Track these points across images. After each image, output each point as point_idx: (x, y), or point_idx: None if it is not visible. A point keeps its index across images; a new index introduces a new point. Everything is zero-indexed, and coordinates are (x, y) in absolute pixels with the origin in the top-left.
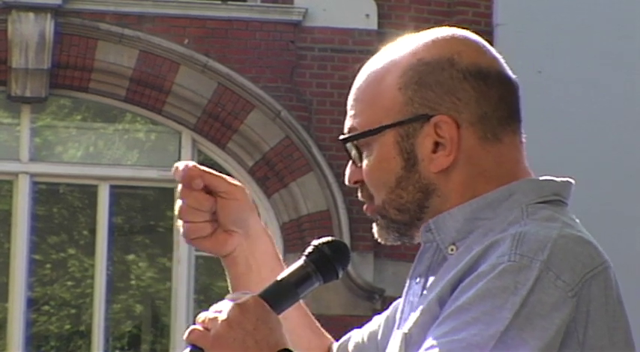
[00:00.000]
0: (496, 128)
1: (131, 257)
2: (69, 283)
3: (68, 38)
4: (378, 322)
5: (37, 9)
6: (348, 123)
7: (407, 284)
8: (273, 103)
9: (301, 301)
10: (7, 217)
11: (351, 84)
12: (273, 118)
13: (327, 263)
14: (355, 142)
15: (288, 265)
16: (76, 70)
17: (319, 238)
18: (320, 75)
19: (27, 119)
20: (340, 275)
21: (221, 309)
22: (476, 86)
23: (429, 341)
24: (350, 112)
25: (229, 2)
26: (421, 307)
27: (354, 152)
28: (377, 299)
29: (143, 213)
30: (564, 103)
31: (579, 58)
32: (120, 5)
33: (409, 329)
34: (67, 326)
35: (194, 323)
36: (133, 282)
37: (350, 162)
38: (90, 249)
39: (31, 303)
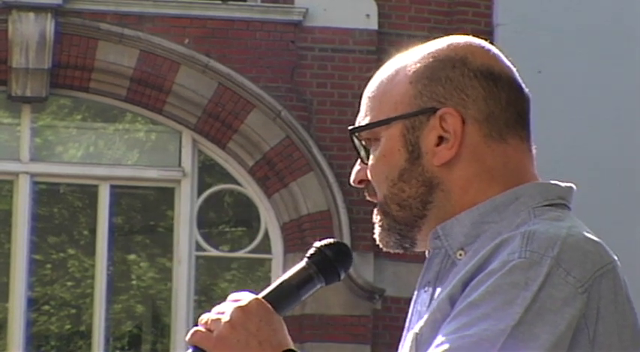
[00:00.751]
0: (502, 129)
1: (131, 257)
2: (69, 283)
3: (69, 38)
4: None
5: (38, 9)
6: (359, 120)
7: (415, 294)
8: (274, 103)
9: None
10: (7, 217)
11: (352, 84)
12: (274, 118)
13: (328, 265)
14: (364, 137)
15: (289, 266)
16: (76, 70)
17: (320, 239)
18: (320, 75)
19: (27, 119)
20: (342, 277)
21: (223, 311)
22: (485, 86)
23: (440, 338)
24: (361, 114)
25: (230, 2)
26: (432, 307)
27: (362, 151)
28: (377, 299)
29: (143, 213)
30: (564, 103)
31: (579, 58)
32: (120, 5)
33: (420, 329)
34: (68, 326)
35: (196, 325)
36: (133, 282)
37: (357, 161)
38: (90, 249)
39: (32, 303)
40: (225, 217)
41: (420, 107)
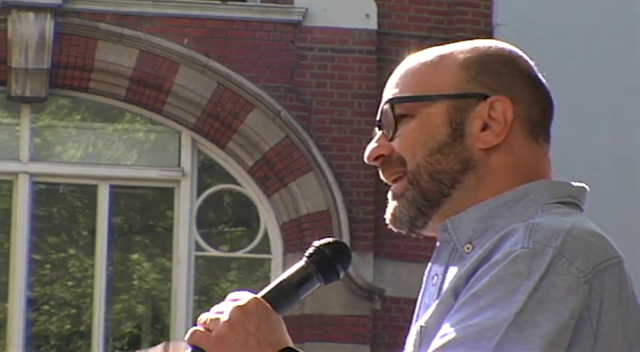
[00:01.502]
0: (538, 132)
1: (131, 257)
2: (69, 283)
3: (68, 38)
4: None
5: (37, 9)
6: (393, 94)
7: (423, 286)
8: (273, 103)
9: None
10: (6, 217)
11: (351, 84)
12: (273, 118)
13: (328, 264)
14: (398, 112)
15: (288, 266)
16: (75, 70)
17: (320, 238)
18: (320, 75)
19: (27, 119)
20: (341, 276)
21: (222, 310)
22: (531, 88)
23: (444, 329)
24: (394, 89)
25: (229, 2)
26: (436, 300)
27: (391, 125)
28: (376, 299)
29: (143, 213)
30: (564, 103)
31: (579, 58)
32: (120, 5)
33: (425, 322)
34: (67, 326)
35: (195, 325)
36: (133, 282)
37: (376, 138)
38: (90, 249)
39: (31, 303)
40: (224, 217)
41: (469, 91)
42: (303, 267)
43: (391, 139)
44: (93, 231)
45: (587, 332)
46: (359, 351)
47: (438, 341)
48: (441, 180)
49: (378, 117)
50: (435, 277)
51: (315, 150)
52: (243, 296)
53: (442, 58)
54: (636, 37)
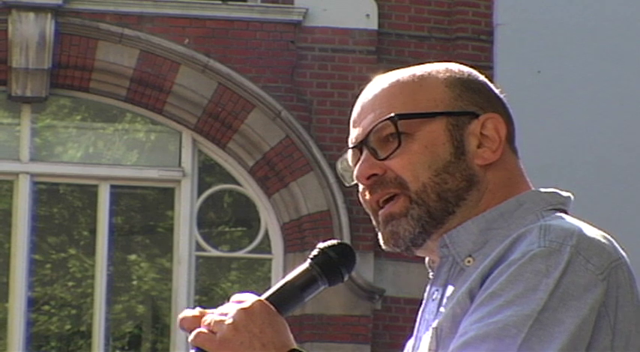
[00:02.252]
0: (513, 146)
1: (131, 257)
2: (69, 283)
3: (68, 38)
4: None
5: (38, 9)
6: (377, 116)
7: (423, 303)
8: (274, 103)
9: None
10: (7, 217)
11: (352, 84)
12: (274, 118)
13: (332, 266)
14: (396, 128)
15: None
16: (76, 70)
17: (320, 239)
18: (320, 75)
19: (27, 119)
20: (345, 279)
21: (226, 312)
22: (503, 106)
23: (464, 328)
24: (378, 109)
25: (230, 2)
26: (449, 306)
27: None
28: (377, 299)
29: (143, 213)
30: (564, 103)
31: (579, 58)
32: (120, 5)
33: (439, 324)
34: (68, 327)
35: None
36: (133, 283)
37: (363, 157)
38: (90, 249)
39: (32, 303)
40: (225, 217)
41: (462, 109)
42: (307, 269)
43: (385, 158)
44: (93, 231)
45: (606, 327)
46: (359, 351)
47: (458, 340)
48: (447, 199)
49: (359, 137)
50: (436, 292)
51: (315, 150)
52: (247, 299)
53: (423, 76)
54: (636, 37)
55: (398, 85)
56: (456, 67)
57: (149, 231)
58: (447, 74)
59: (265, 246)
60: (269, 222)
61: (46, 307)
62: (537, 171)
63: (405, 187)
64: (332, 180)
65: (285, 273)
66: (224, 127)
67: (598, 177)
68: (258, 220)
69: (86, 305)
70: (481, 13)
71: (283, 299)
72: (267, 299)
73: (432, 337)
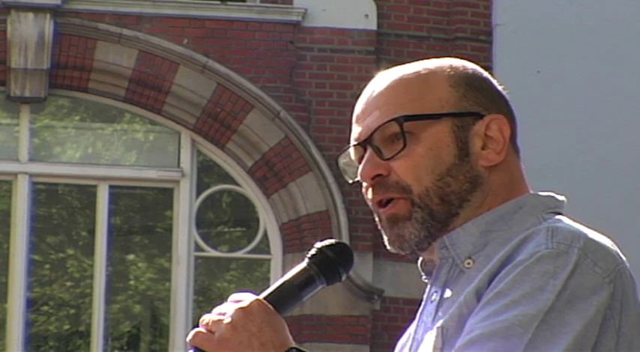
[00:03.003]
0: (516, 145)
1: (130, 257)
2: (68, 283)
3: (67, 38)
4: None
5: (37, 9)
6: (382, 115)
7: (422, 305)
8: (273, 103)
9: None
10: (6, 217)
11: (350, 84)
12: (273, 118)
13: (330, 265)
14: (402, 129)
15: (288, 266)
16: (75, 70)
17: (319, 239)
18: (319, 75)
19: (26, 119)
20: (343, 278)
21: (225, 312)
22: (506, 105)
23: (470, 327)
24: (383, 107)
25: (228, 2)
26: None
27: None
28: (376, 300)
29: (142, 214)
30: (563, 103)
31: (578, 58)
32: (119, 5)
33: (444, 323)
34: (66, 327)
35: (197, 326)
36: (132, 283)
37: (367, 155)
38: (89, 250)
39: (30, 303)
40: (224, 217)
41: (467, 109)
42: (305, 269)
43: (389, 158)
44: (92, 232)
45: (611, 330)
46: (358, 351)
47: (464, 338)
48: (450, 202)
49: (363, 135)
50: (435, 294)
51: (314, 151)
52: (246, 298)
53: (428, 75)
54: (636, 38)
55: (403, 83)
56: (459, 64)
57: (148, 232)
58: (452, 72)
59: (264, 247)
60: (268, 222)
61: (45, 307)
62: (536, 172)
63: (408, 191)
64: (331, 180)
65: (284, 274)
66: (223, 127)
67: (598, 177)
68: (257, 220)
69: (85, 305)
70: (480, 14)
71: (281, 299)
72: (265, 298)
73: (437, 336)
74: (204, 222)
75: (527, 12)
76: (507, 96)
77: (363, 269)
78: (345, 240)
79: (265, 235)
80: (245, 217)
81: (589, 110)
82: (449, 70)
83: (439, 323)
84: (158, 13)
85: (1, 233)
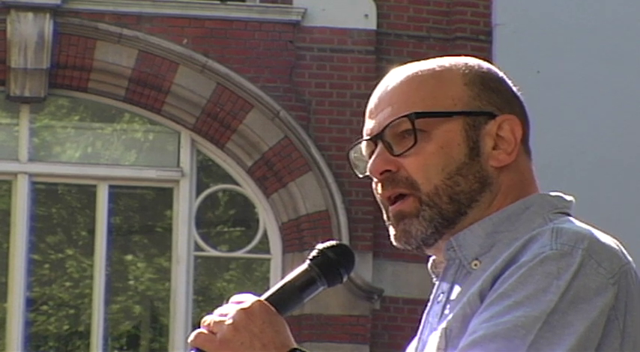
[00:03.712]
0: (527, 146)
1: (130, 257)
2: (67, 283)
3: (67, 38)
4: None
5: (36, 9)
6: (394, 111)
7: (428, 306)
8: (272, 103)
9: None
10: (5, 217)
11: (350, 84)
12: (272, 118)
13: (331, 267)
14: (410, 127)
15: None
16: (74, 70)
17: (319, 239)
18: (319, 75)
19: (26, 119)
20: (344, 280)
21: (226, 313)
22: (520, 105)
23: (473, 327)
24: (396, 104)
25: (228, 2)
26: (457, 305)
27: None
28: (375, 300)
29: (142, 213)
30: (563, 103)
31: (578, 58)
32: (119, 5)
33: (448, 324)
34: (66, 327)
35: (198, 327)
36: (131, 282)
37: (377, 150)
38: (89, 249)
39: (30, 303)
40: (223, 217)
41: (480, 108)
42: (306, 270)
43: (399, 155)
44: (92, 231)
45: (615, 331)
46: (358, 351)
47: (467, 339)
48: (459, 201)
49: (374, 130)
50: (441, 295)
51: (314, 150)
52: (247, 299)
53: (442, 72)
54: (636, 38)
55: (417, 80)
56: (475, 63)
57: (147, 231)
58: (467, 71)
59: (264, 246)
60: (267, 222)
61: (45, 307)
62: (536, 172)
63: (416, 188)
64: (331, 180)
65: (283, 273)
66: (222, 127)
67: (598, 177)
68: (257, 220)
69: (84, 305)
70: (480, 13)
71: (283, 300)
72: (266, 299)
73: (440, 337)
74: (203, 221)
75: (527, 12)
76: (521, 97)
77: (362, 269)
78: (345, 239)
79: (265, 235)
80: (245, 217)
81: (589, 110)
82: (464, 68)
83: (443, 324)
84: (158, 13)
85: (0, 232)
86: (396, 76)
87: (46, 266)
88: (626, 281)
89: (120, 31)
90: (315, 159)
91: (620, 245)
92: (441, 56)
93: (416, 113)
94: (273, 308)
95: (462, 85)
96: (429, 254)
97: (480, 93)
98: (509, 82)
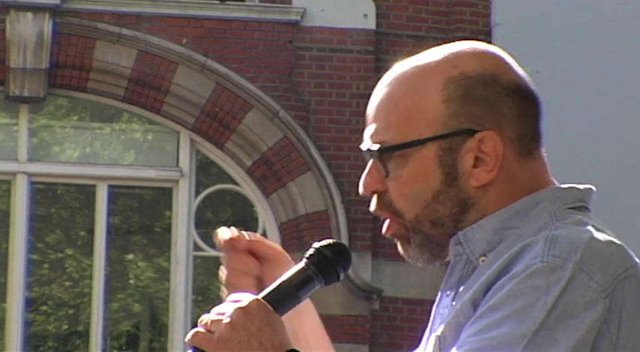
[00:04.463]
0: (530, 144)
1: (129, 257)
2: (67, 283)
3: (66, 38)
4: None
5: (36, 9)
6: (375, 132)
7: (438, 297)
8: (272, 103)
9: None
10: (5, 217)
11: (349, 84)
12: (272, 118)
13: (328, 265)
14: (382, 159)
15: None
16: (74, 70)
17: (318, 239)
18: (318, 75)
19: (25, 119)
20: (341, 278)
21: (224, 312)
22: (517, 103)
23: (461, 341)
24: (378, 122)
25: (227, 2)
26: (454, 311)
27: (377, 162)
28: (375, 299)
29: (141, 213)
30: (562, 104)
31: (577, 58)
32: (118, 5)
33: (442, 332)
34: (65, 326)
35: (195, 326)
36: (130, 282)
37: (369, 166)
38: (88, 249)
39: (29, 303)
40: (222, 217)
41: (457, 128)
42: (303, 269)
43: (386, 175)
44: (91, 231)
45: (606, 345)
46: (357, 351)
47: None
48: (443, 224)
49: (364, 144)
50: (450, 289)
51: (313, 150)
52: (244, 298)
53: (423, 89)
54: (636, 38)
55: (396, 96)
56: (467, 61)
57: (147, 231)
58: (449, 82)
59: None
60: (267, 221)
61: (44, 307)
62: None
63: (400, 216)
64: (330, 180)
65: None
66: (222, 127)
67: (597, 177)
68: (256, 220)
69: (84, 305)
70: (479, 13)
71: (279, 299)
72: (263, 298)
73: (435, 344)
74: (203, 221)
75: (527, 12)
76: (525, 84)
77: (362, 268)
78: (344, 239)
79: (264, 235)
80: (244, 217)
81: (588, 110)
82: (448, 77)
83: (438, 332)
84: (157, 13)
85: (0, 233)
86: (387, 80)
87: (46, 266)
88: (622, 290)
89: (119, 30)
90: (315, 159)
91: (623, 248)
92: None
93: (385, 148)
94: (270, 307)
95: (438, 104)
96: (449, 260)
97: (458, 109)
98: (508, 77)
